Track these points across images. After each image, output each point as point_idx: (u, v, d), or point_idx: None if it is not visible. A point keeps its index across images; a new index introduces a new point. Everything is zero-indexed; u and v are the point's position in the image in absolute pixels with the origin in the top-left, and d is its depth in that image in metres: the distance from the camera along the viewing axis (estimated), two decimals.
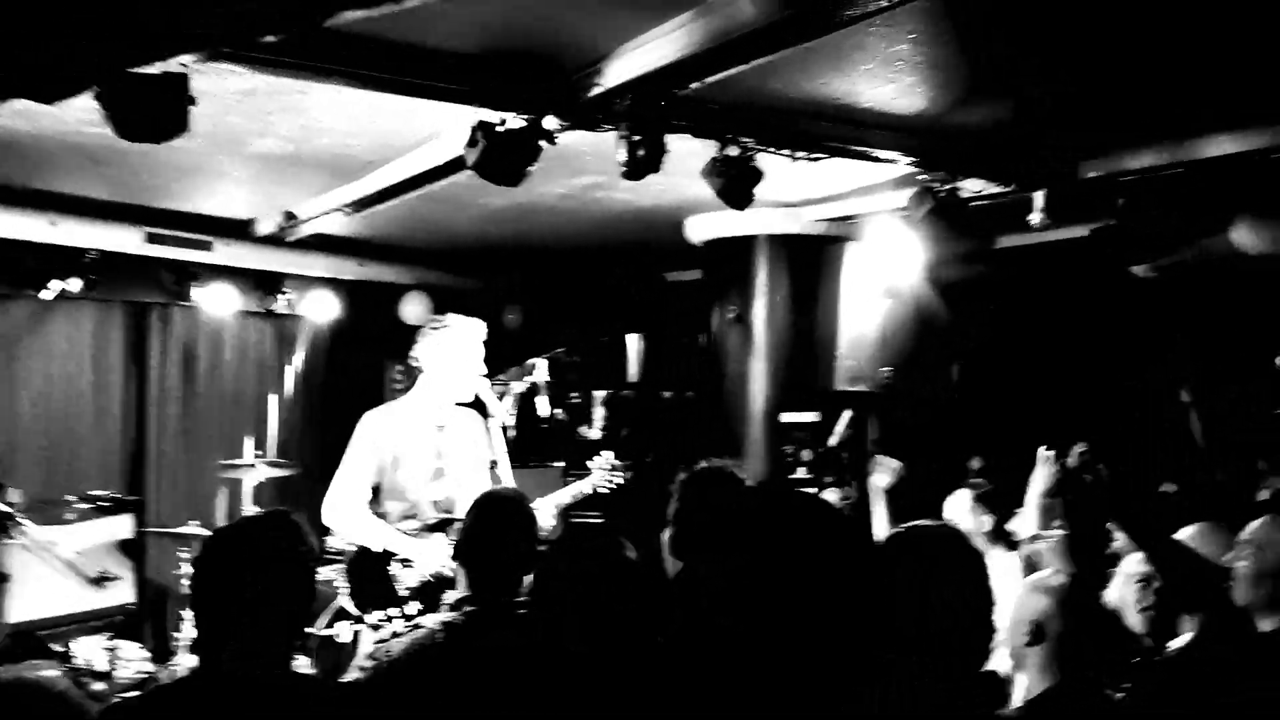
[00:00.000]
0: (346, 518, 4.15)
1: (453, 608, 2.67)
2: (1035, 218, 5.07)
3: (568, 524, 7.06)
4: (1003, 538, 4.21)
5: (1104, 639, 2.67)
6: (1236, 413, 7.13)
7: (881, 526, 4.04)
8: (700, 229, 6.42)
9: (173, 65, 2.96)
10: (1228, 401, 7.25)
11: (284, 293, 7.32)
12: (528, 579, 2.81)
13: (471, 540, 2.74)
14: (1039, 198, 5.01)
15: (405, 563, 4.08)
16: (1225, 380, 7.60)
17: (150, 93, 2.97)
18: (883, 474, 4.18)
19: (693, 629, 1.76)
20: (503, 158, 3.71)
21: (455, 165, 4.49)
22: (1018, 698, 2.58)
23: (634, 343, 11.12)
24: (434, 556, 4.03)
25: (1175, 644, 2.86)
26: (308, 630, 5.46)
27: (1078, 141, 4.66)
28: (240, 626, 2.02)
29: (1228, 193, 5.10)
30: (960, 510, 4.16)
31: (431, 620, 2.72)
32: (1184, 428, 7.14)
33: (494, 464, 4.40)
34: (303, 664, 5.30)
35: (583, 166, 4.96)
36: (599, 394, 11.06)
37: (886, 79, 3.79)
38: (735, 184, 4.23)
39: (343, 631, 4.62)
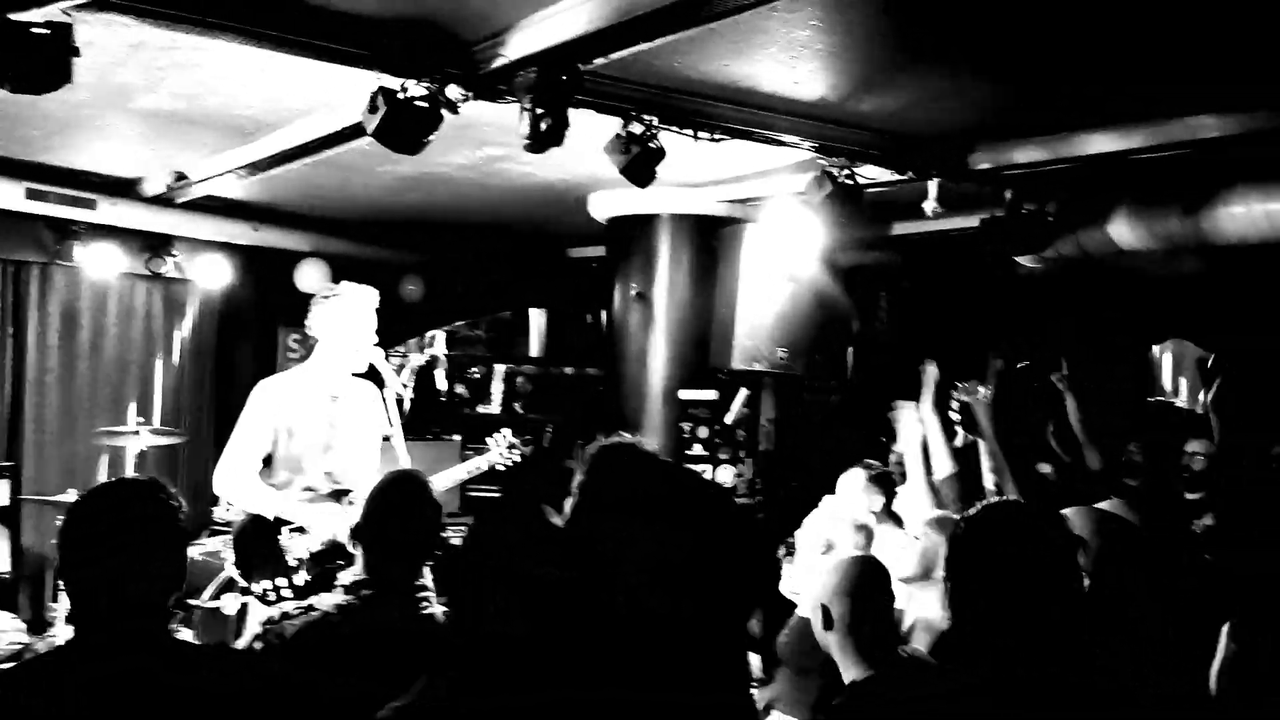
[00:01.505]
0: (237, 486, 4.11)
1: (348, 590, 2.64)
2: (929, 206, 5.22)
3: (464, 498, 7.06)
4: (894, 516, 4.35)
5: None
6: (1110, 400, 7.47)
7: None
8: (604, 206, 6.44)
9: (55, 13, 2.84)
10: (1102, 389, 7.59)
11: (173, 255, 7.10)
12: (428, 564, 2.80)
13: (372, 521, 2.70)
14: (932, 187, 5.16)
15: (295, 531, 4.04)
16: (1100, 369, 7.96)
17: (31, 41, 2.84)
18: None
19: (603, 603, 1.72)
20: (403, 125, 3.66)
21: (355, 132, 4.41)
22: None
23: (537, 318, 11.11)
24: (327, 523, 4.00)
25: None
26: (191, 603, 5.35)
27: (969, 134, 4.80)
28: (109, 594, 1.96)
29: (1107, 189, 5.33)
30: (854, 488, 4.27)
31: (326, 601, 2.69)
32: (1061, 413, 7.46)
33: (388, 436, 4.36)
34: (185, 636, 5.19)
35: (485, 138, 4.92)
36: (499, 369, 11.02)
37: (788, 64, 3.86)
38: (638, 161, 4.25)
39: (228, 603, 4.53)
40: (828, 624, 2.51)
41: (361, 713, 1.83)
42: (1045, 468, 6.38)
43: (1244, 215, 4.92)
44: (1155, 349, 9.80)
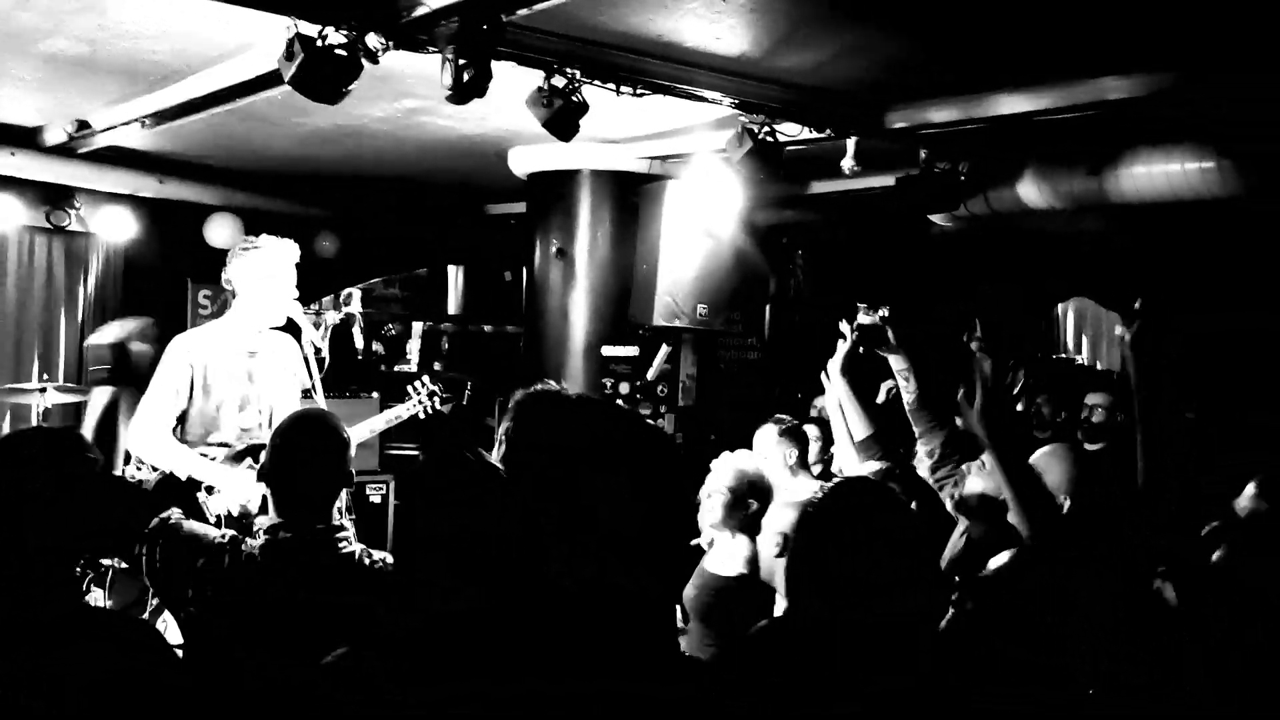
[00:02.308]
0: (151, 443, 4.01)
1: (267, 532, 2.62)
2: (847, 163, 5.32)
3: (383, 455, 7.00)
4: (806, 468, 4.45)
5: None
6: (1019, 356, 7.71)
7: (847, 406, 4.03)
8: (524, 161, 6.39)
9: None
10: (1012, 345, 7.83)
11: (75, 209, 6.86)
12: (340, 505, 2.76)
13: (278, 463, 2.66)
14: (850, 145, 5.25)
15: (211, 490, 3.97)
16: (1011, 325, 8.22)
17: None
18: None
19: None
20: (322, 73, 3.58)
21: (267, 81, 4.31)
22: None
23: (455, 275, 11.00)
24: (240, 487, 3.93)
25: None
26: (104, 563, 5.23)
27: (885, 93, 4.89)
28: (11, 550, 1.86)
29: (1016, 149, 5.48)
30: (768, 443, 4.35)
31: (249, 544, 2.66)
32: (974, 370, 7.67)
33: (307, 391, 4.30)
34: (97, 597, 5.08)
35: (405, 90, 4.85)
36: (418, 326, 10.91)
37: (710, 19, 3.87)
38: (560, 115, 4.23)
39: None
40: (783, 552, 2.59)
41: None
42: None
43: (1144, 175, 5.13)
44: (1059, 306, 10.15)
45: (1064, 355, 10.34)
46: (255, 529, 2.71)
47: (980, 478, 3.15)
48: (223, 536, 2.66)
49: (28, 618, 1.83)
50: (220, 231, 7.37)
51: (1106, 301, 8.62)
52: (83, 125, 5.68)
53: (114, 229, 7.15)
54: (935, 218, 6.35)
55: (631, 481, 1.52)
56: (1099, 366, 10.16)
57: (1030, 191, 5.61)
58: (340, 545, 2.65)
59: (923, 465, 3.72)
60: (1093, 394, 5.42)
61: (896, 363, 3.81)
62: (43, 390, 5.84)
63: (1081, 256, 7.23)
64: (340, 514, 4.00)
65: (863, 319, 3.83)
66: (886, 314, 3.83)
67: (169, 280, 7.66)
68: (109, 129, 5.55)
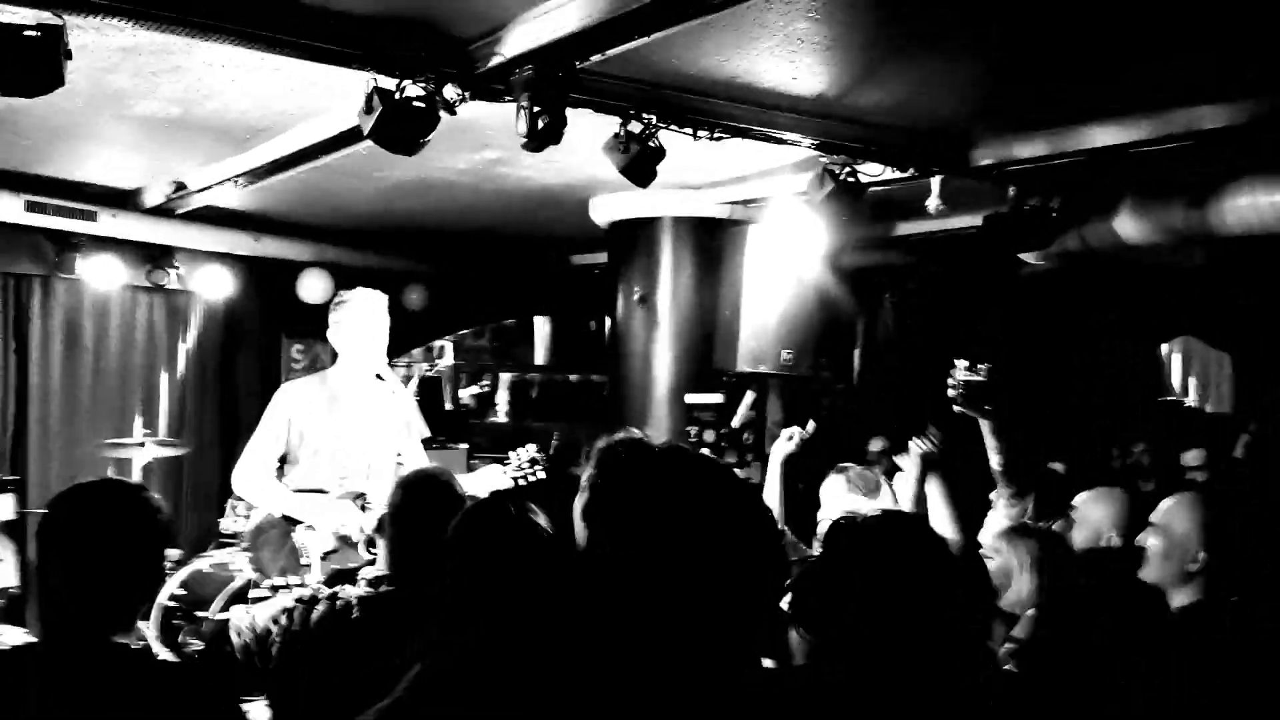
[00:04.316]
0: (253, 484, 4.18)
1: (370, 584, 2.61)
2: (932, 203, 5.19)
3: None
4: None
5: None
6: (1122, 397, 7.42)
7: (772, 495, 4.06)
8: (605, 210, 6.41)
9: (46, 15, 2.82)
10: (1118, 387, 7.54)
11: (175, 267, 7.09)
12: None
13: (397, 516, 2.67)
14: (935, 184, 5.13)
15: (309, 530, 4.04)
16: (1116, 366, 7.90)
17: (22, 43, 2.83)
18: (784, 443, 4.20)
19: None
20: (400, 125, 3.63)
21: (351, 136, 4.40)
22: None
23: (542, 326, 11.10)
24: (339, 514, 4.00)
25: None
26: (200, 614, 5.30)
27: (970, 129, 4.77)
28: (78, 593, 1.93)
29: (1110, 182, 5.28)
30: (837, 492, 4.21)
31: (349, 593, 2.65)
32: (1077, 410, 7.40)
33: (408, 438, 4.40)
34: (196, 646, 5.16)
35: (485, 140, 4.90)
36: (505, 377, 11.01)
37: (786, 58, 3.82)
38: (637, 161, 4.22)
39: (237, 615, 4.51)
40: None
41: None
42: (1057, 465, 6.32)
43: (1249, 207, 4.88)
44: (1164, 347, 9.75)
45: (1171, 398, 9.91)
46: (358, 578, 2.71)
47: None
48: (298, 599, 2.65)
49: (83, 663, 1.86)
50: (312, 287, 7.55)
51: (1214, 340, 8.25)
52: (180, 186, 5.89)
53: (212, 286, 7.37)
54: (1027, 256, 6.16)
55: (716, 533, 1.45)
56: (1208, 409, 9.70)
57: (1127, 226, 5.39)
58: None
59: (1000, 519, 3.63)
60: (1188, 453, 5.16)
61: (986, 425, 3.71)
62: (142, 445, 6.02)
63: (1185, 293, 6.93)
64: None
65: (963, 376, 3.72)
66: (986, 373, 3.71)
67: (264, 336, 7.87)
68: (204, 189, 5.73)
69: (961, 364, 3.73)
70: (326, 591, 2.62)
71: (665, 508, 1.47)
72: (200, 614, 5.29)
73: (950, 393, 3.70)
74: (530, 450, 4.76)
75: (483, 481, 4.47)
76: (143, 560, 1.97)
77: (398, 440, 4.39)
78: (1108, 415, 7.35)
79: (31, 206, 5.91)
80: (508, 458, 4.78)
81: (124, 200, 6.25)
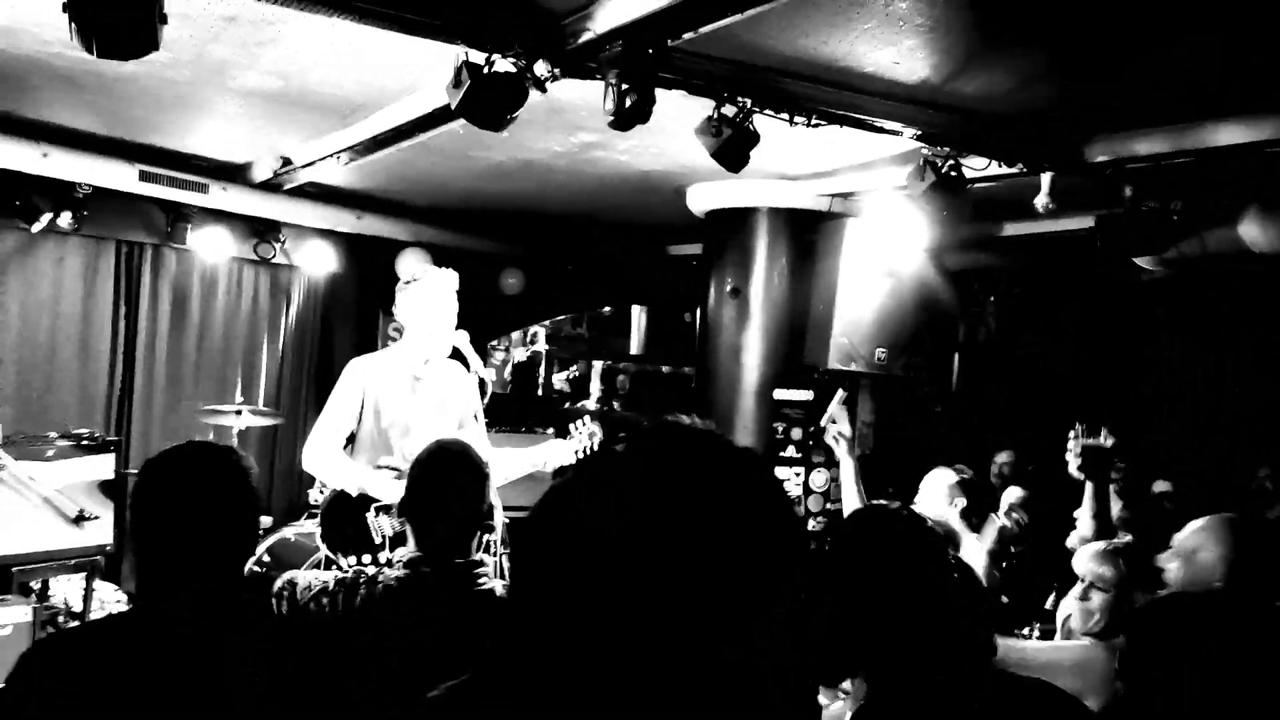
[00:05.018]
0: (324, 460, 4.14)
1: (406, 565, 2.58)
2: (1041, 201, 4.96)
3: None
4: (971, 523, 4.12)
5: None
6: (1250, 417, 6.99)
7: (850, 493, 3.92)
8: (701, 199, 6.32)
9: None
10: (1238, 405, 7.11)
11: (280, 241, 7.26)
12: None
13: (414, 495, 2.62)
14: (1045, 180, 4.89)
15: (381, 510, 4.04)
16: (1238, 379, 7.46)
17: (118, 4, 2.88)
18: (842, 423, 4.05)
19: None
20: (486, 100, 3.60)
21: (447, 114, 4.39)
22: None
23: (638, 315, 11.05)
24: None
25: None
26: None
27: (1085, 122, 4.52)
28: (172, 559, 1.92)
29: (1236, 184, 4.96)
30: (938, 487, 4.06)
31: (388, 576, 2.63)
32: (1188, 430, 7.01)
33: (474, 417, 4.34)
34: None
35: (579, 123, 4.86)
36: (598, 365, 11.00)
37: (887, 41, 3.67)
38: (729, 145, 4.12)
39: (282, 580, 4.56)
40: None
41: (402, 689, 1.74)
42: (1161, 485, 6.01)
43: None
44: None
45: None
46: (395, 560, 2.69)
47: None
48: (348, 570, 2.63)
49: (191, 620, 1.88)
50: (410, 266, 7.64)
51: None
52: (286, 161, 6.01)
53: (315, 262, 7.54)
54: (1142, 261, 5.84)
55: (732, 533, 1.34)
56: None
57: (1253, 231, 5.06)
58: (479, 581, 2.58)
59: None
60: None
61: (1091, 488, 3.50)
62: (239, 413, 6.17)
63: None
64: (491, 547, 4.00)
65: (1085, 441, 3.51)
66: (1111, 443, 3.50)
67: (362, 311, 8.02)
68: (309, 164, 5.83)
69: (1079, 428, 3.53)
70: (368, 574, 2.59)
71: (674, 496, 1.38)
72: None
73: (1069, 457, 3.51)
74: (589, 422, 4.71)
75: (547, 455, 4.45)
76: (235, 521, 1.97)
77: (460, 419, 4.30)
78: (1230, 434, 6.95)
79: (145, 176, 6.09)
80: (569, 431, 4.74)
81: (234, 174, 6.41)
